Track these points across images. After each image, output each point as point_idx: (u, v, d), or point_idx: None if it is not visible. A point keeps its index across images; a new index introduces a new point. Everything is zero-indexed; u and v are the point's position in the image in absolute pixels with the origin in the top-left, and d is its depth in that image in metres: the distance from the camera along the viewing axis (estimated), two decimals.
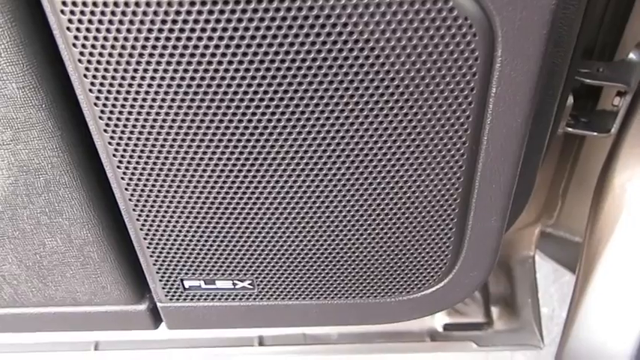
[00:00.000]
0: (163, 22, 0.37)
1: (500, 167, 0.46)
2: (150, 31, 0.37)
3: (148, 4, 0.36)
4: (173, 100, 0.41)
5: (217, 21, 0.37)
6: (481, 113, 0.42)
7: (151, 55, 0.38)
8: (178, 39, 0.37)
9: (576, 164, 0.83)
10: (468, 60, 0.38)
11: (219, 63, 0.39)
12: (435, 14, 0.36)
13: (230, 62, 0.39)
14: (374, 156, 0.44)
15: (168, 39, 0.37)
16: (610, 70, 0.72)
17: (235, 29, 0.37)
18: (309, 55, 0.38)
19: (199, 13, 0.36)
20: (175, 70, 0.39)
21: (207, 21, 0.37)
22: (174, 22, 0.37)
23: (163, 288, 0.56)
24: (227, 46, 0.38)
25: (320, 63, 0.39)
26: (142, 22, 0.37)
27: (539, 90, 0.42)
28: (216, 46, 0.38)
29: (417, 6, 0.36)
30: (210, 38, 0.37)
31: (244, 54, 0.38)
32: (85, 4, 0.36)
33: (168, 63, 0.39)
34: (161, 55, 0.38)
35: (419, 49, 0.38)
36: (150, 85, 0.40)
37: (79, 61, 0.39)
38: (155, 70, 0.39)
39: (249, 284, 0.56)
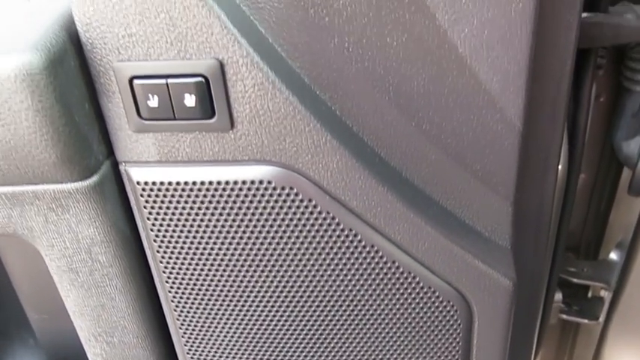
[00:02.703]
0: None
1: None
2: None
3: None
4: None
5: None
6: (467, 353, 0.56)
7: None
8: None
9: (576, 343, 0.94)
10: (453, 325, 0.53)
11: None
12: (426, 299, 0.52)
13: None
14: None
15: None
16: (593, 269, 0.85)
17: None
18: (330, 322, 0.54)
19: None
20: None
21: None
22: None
23: None
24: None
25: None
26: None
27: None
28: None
29: (414, 295, 0.51)
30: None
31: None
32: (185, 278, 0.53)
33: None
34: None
35: (417, 319, 0.53)
36: None
37: (182, 336, 0.56)
38: None
39: None
